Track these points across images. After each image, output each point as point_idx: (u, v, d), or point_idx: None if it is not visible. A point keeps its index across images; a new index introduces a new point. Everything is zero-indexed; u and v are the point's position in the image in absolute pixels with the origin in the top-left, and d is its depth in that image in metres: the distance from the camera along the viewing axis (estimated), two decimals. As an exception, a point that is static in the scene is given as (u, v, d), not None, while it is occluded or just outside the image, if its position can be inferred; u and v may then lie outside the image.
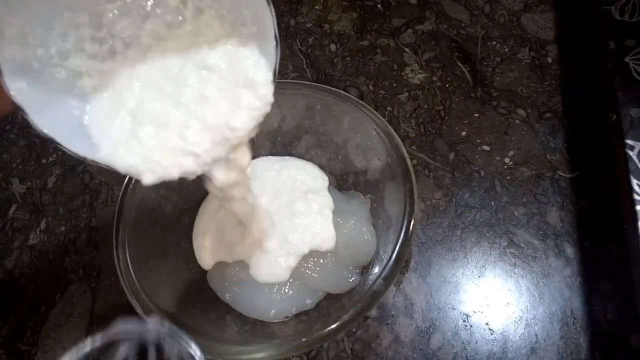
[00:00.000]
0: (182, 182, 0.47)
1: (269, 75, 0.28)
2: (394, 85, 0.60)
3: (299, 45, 0.64)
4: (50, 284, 0.51)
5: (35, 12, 0.26)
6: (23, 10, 0.26)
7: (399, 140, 0.42)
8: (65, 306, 0.49)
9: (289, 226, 0.43)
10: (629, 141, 0.44)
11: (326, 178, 0.49)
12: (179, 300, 0.41)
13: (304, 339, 0.34)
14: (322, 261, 0.42)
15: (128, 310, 0.47)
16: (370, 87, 0.60)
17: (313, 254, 0.42)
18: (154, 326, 0.28)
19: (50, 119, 0.25)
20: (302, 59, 0.63)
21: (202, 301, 0.43)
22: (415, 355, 0.44)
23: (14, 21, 0.25)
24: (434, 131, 0.56)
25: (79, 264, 0.51)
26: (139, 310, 0.37)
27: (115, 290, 0.49)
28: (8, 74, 0.24)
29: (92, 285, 0.50)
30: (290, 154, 0.51)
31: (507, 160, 0.54)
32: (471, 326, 0.45)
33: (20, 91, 0.24)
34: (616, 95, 0.46)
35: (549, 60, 0.60)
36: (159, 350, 0.27)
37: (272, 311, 0.41)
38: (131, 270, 0.38)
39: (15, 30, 0.25)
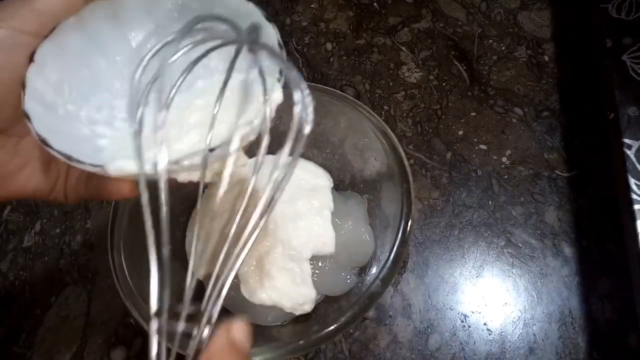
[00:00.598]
0: (177, 181, 0.47)
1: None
2: (391, 84, 0.60)
3: (295, 44, 0.64)
4: (46, 287, 0.50)
5: (77, 79, 0.27)
6: (66, 69, 0.26)
7: (395, 140, 0.42)
8: (60, 309, 0.49)
9: (293, 230, 0.42)
10: (626, 140, 0.44)
11: (330, 178, 0.48)
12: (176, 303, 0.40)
13: (301, 342, 0.34)
14: (320, 264, 0.42)
15: (124, 313, 0.47)
16: (367, 86, 0.60)
17: (312, 258, 0.42)
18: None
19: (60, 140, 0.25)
20: (298, 58, 0.63)
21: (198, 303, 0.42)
22: (413, 356, 0.44)
23: (55, 70, 0.25)
24: (430, 130, 0.56)
25: (74, 266, 0.51)
26: (135, 313, 0.36)
27: (111, 293, 0.49)
28: (30, 97, 0.24)
29: (88, 287, 0.50)
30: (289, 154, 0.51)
31: (504, 159, 0.53)
32: (469, 326, 0.45)
33: (35, 112, 0.24)
34: (613, 93, 0.46)
35: (546, 58, 0.60)
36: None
37: (270, 316, 0.40)
38: (126, 273, 0.38)
39: (55, 77, 0.26)
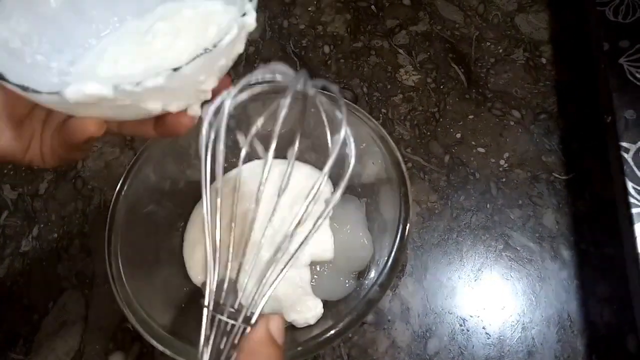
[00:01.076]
0: (174, 186, 0.47)
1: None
2: (388, 87, 0.60)
3: (292, 47, 0.64)
4: (43, 292, 0.50)
5: (49, 33, 0.26)
6: (36, 22, 0.26)
7: (393, 145, 0.42)
8: (58, 314, 0.49)
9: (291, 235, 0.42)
10: (624, 143, 0.44)
11: (330, 182, 0.48)
12: (173, 309, 0.40)
13: (299, 348, 0.33)
14: (319, 269, 0.42)
15: (122, 319, 0.47)
16: (365, 89, 0.60)
17: (311, 263, 0.42)
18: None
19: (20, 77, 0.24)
20: (295, 61, 0.63)
21: (196, 310, 0.42)
22: (412, 360, 0.44)
23: (24, 21, 0.25)
24: (428, 133, 0.56)
25: (72, 270, 0.51)
26: (132, 319, 0.36)
27: (109, 297, 0.48)
28: None
29: (86, 292, 0.49)
30: (284, 158, 0.51)
31: (502, 162, 0.53)
32: (468, 330, 0.45)
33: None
34: (611, 97, 0.46)
35: (543, 60, 0.60)
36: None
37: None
38: (124, 279, 0.38)
39: (24, 29, 0.25)
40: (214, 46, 0.23)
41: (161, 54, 0.27)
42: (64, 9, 0.28)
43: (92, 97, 0.22)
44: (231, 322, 0.25)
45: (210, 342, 0.25)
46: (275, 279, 0.27)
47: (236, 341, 0.25)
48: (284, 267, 0.27)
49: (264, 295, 0.26)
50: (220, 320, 0.25)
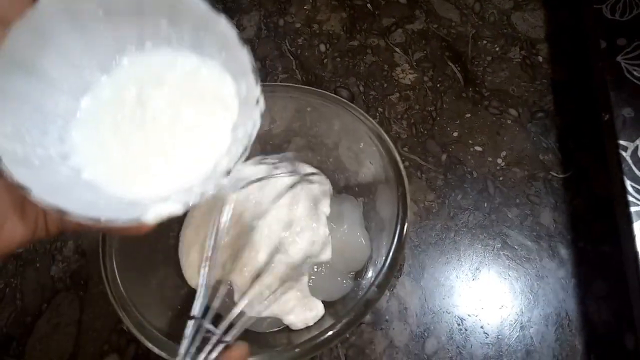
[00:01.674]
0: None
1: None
2: (385, 85, 0.59)
3: (288, 46, 0.64)
4: (37, 294, 0.49)
5: (28, 116, 0.24)
6: (14, 115, 0.24)
7: (390, 144, 0.41)
8: (52, 316, 0.48)
9: (289, 235, 0.41)
10: (621, 142, 0.44)
11: (329, 182, 0.48)
12: (169, 311, 0.40)
13: (297, 350, 0.33)
14: (316, 269, 0.42)
15: (117, 320, 0.46)
16: (361, 88, 0.59)
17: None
18: None
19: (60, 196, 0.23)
20: (291, 60, 0.62)
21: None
22: (410, 360, 0.43)
23: (7, 121, 0.23)
24: (425, 132, 0.56)
25: (66, 272, 0.50)
26: (126, 321, 0.36)
27: (103, 299, 0.48)
28: (10, 164, 0.21)
29: (80, 294, 0.49)
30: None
31: (499, 160, 0.53)
32: (466, 330, 0.44)
33: (26, 179, 0.21)
34: (608, 95, 0.46)
35: (540, 59, 0.60)
36: None
37: (265, 323, 0.40)
38: (119, 281, 0.37)
39: (10, 128, 0.23)
40: (249, 141, 0.23)
41: (177, 142, 0.26)
42: (26, 81, 0.24)
43: (167, 217, 0.22)
44: (214, 329, 0.30)
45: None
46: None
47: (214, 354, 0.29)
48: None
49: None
50: (202, 329, 0.30)
